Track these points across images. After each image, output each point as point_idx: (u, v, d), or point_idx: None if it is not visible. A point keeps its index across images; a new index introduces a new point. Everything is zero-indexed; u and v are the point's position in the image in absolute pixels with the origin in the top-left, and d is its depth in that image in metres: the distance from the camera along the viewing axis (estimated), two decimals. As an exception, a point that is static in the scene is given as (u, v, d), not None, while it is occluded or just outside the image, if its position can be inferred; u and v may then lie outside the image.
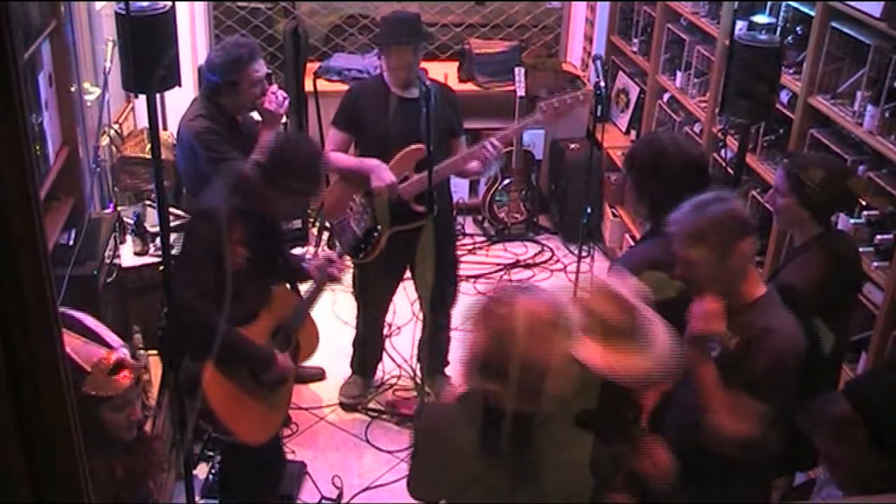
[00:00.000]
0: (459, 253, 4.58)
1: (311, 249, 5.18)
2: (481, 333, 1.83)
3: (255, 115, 3.68)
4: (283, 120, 4.17)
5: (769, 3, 3.87)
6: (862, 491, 1.92)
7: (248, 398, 3.09)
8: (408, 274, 4.07)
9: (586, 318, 1.98)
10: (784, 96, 3.70)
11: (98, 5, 4.10)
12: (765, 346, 2.29)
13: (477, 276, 5.17)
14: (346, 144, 3.85)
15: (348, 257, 3.67)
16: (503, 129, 4.02)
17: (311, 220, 5.13)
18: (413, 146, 3.68)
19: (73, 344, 2.12)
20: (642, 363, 1.94)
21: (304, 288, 3.35)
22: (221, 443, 3.36)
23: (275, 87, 3.57)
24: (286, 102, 3.58)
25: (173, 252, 3.57)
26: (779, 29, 3.74)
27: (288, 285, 3.31)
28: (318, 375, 4.29)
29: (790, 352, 2.31)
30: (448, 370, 4.20)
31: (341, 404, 4.20)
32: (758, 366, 2.28)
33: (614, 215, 5.32)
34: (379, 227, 3.77)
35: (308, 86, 5.25)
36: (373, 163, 3.70)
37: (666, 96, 5.04)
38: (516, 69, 5.28)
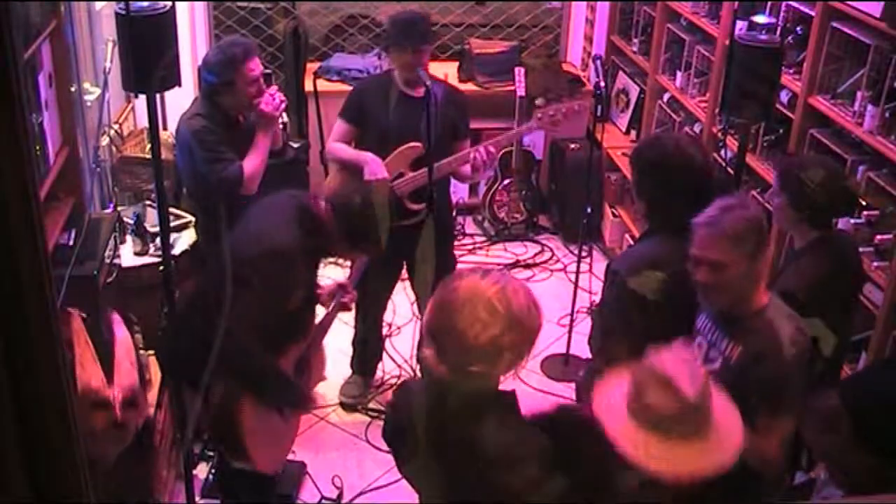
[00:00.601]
0: (459, 253, 4.58)
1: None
2: (431, 302, 1.91)
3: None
4: (284, 120, 4.16)
5: (769, 3, 3.87)
6: (852, 487, 1.92)
7: (269, 429, 3.01)
8: (405, 274, 4.07)
9: (635, 403, 1.87)
10: (784, 96, 3.70)
11: (98, 5, 4.10)
12: (772, 354, 2.28)
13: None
14: (349, 137, 3.88)
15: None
16: (502, 129, 4.03)
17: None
18: (410, 144, 3.69)
19: (87, 364, 2.07)
20: (693, 461, 1.84)
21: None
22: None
23: (273, 89, 3.55)
24: (283, 105, 3.56)
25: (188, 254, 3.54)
26: (779, 29, 3.73)
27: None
28: (318, 376, 4.29)
29: (798, 358, 2.30)
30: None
31: (341, 404, 4.20)
32: (767, 374, 2.27)
33: (614, 215, 5.32)
34: None
35: (308, 86, 5.25)
36: (368, 156, 3.73)
37: (666, 96, 5.04)
38: (516, 69, 5.28)
